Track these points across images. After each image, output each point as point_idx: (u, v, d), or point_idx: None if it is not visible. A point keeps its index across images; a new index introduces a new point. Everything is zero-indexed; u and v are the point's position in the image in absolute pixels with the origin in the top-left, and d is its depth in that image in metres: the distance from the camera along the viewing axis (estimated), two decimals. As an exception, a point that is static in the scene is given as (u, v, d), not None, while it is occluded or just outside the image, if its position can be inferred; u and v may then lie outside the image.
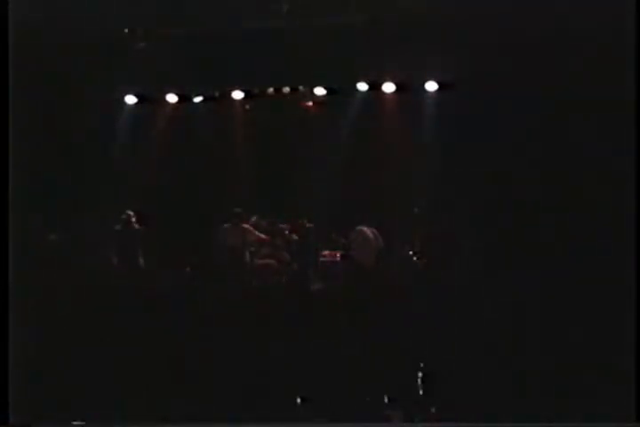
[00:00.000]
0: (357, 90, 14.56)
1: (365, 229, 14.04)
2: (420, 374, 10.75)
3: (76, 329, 12.11)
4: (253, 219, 14.64)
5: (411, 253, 13.78)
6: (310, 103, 15.11)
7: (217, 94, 15.13)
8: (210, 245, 14.61)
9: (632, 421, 9.30)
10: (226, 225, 14.43)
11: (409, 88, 14.36)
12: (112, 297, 12.90)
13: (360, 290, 13.25)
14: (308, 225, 14.51)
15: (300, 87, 14.84)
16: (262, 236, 14.40)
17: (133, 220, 14.33)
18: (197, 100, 15.12)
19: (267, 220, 14.70)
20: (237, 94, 15.00)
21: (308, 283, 13.94)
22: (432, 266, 13.39)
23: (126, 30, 14.05)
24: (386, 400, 10.66)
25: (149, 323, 12.23)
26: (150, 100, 15.15)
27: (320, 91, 14.76)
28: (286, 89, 14.80)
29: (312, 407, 10.69)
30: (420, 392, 10.65)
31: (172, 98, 15.10)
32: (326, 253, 14.36)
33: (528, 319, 11.48)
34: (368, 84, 14.44)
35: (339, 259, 14.25)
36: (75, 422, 10.30)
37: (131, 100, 15.10)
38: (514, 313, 11.58)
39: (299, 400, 10.80)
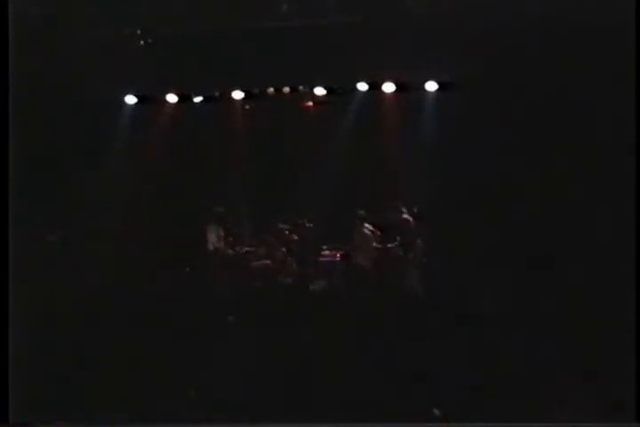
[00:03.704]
0: (357, 90, 14.58)
1: (365, 227, 14.05)
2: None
3: (77, 329, 12.11)
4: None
5: (410, 252, 13.81)
6: (310, 103, 15.13)
7: (217, 94, 15.15)
8: (209, 245, 14.66)
9: (632, 421, 9.31)
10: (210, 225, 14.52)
11: (409, 88, 14.38)
12: (112, 297, 12.90)
13: (360, 290, 13.26)
14: (307, 225, 14.54)
15: (300, 87, 14.86)
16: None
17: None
18: (197, 100, 15.13)
19: (266, 220, 14.74)
20: (237, 94, 15.01)
21: (308, 283, 13.97)
22: (432, 266, 13.41)
23: (126, 30, 14.04)
24: None
25: (149, 323, 12.23)
26: (150, 100, 15.16)
27: (320, 91, 14.77)
28: (286, 89, 14.81)
29: (310, 408, 10.70)
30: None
31: (172, 98, 15.11)
32: (326, 253, 14.39)
33: (527, 319, 11.47)
34: (368, 84, 14.45)
35: (339, 259, 14.28)
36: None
37: (131, 100, 15.11)
38: (513, 313, 11.59)
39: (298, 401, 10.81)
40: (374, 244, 14.05)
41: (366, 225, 14.07)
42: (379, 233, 14.03)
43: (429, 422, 10.26)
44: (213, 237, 14.64)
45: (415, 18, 13.22)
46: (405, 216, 14.01)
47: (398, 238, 14.01)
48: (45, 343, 11.80)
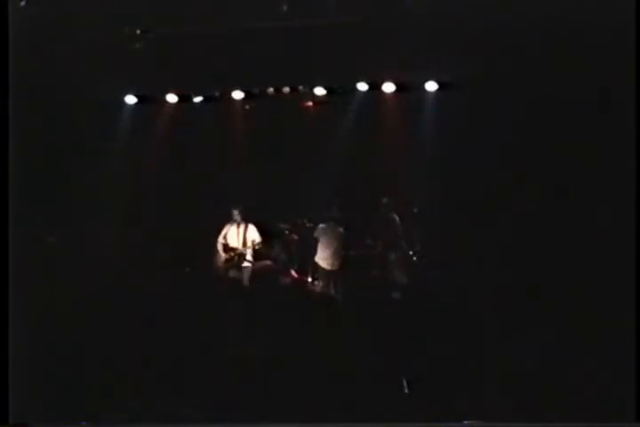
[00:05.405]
0: (357, 90, 14.58)
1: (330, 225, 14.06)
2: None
3: (77, 329, 12.10)
4: None
5: (411, 253, 13.80)
6: (310, 103, 15.13)
7: (217, 94, 15.15)
8: (209, 245, 14.64)
9: (632, 421, 9.30)
10: (227, 225, 14.52)
11: (409, 88, 14.38)
12: (112, 297, 12.89)
13: (360, 290, 13.26)
14: (308, 225, 14.53)
15: (300, 87, 14.86)
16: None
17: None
18: (197, 100, 15.13)
19: (266, 220, 14.73)
20: (237, 94, 15.01)
21: (308, 283, 13.97)
22: (432, 266, 13.41)
23: (126, 30, 14.03)
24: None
25: (149, 323, 12.22)
26: (150, 100, 15.16)
27: (320, 91, 14.78)
28: (286, 89, 14.82)
29: (312, 409, 10.67)
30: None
31: (172, 98, 15.11)
32: (326, 252, 14.37)
33: (527, 320, 11.47)
34: (368, 84, 14.45)
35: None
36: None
37: (131, 100, 15.10)
38: (513, 313, 11.58)
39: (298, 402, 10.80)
40: (339, 241, 14.06)
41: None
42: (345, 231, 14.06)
43: (429, 421, 10.24)
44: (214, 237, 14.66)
45: (415, 18, 13.20)
46: (404, 216, 14.02)
47: (397, 238, 14.03)
48: (45, 343, 11.78)
